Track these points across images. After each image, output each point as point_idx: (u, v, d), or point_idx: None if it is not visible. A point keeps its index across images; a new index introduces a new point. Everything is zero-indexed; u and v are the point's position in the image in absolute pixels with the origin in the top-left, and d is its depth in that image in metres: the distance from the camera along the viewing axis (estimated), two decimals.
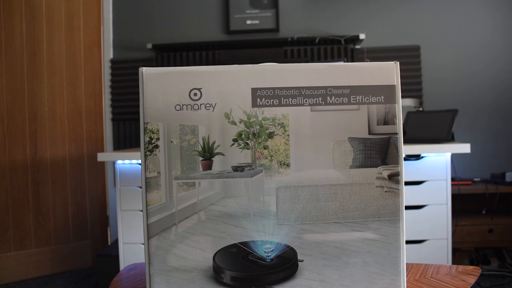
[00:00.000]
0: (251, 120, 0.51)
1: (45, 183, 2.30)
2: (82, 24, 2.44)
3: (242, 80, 0.50)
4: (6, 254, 2.17)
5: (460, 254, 2.08)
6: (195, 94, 0.51)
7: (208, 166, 0.51)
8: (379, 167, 0.51)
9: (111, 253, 1.98)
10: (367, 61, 2.44)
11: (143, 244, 0.53)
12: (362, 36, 2.33)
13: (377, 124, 0.52)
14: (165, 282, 0.50)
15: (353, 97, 0.52)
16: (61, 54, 2.37)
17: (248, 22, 2.52)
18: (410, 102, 2.31)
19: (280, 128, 0.51)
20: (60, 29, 2.37)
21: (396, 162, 0.51)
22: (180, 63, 2.48)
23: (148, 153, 0.50)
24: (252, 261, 0.50)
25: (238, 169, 0.51)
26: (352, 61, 2.45)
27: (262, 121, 0.51)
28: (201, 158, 0.51)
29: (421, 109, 2.26)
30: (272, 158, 0.51)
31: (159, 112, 0.50)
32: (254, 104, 0.51)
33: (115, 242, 2.13)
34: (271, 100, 0.51)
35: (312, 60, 2.44)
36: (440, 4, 2.47)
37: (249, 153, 0.51)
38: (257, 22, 2.51)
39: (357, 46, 2.45)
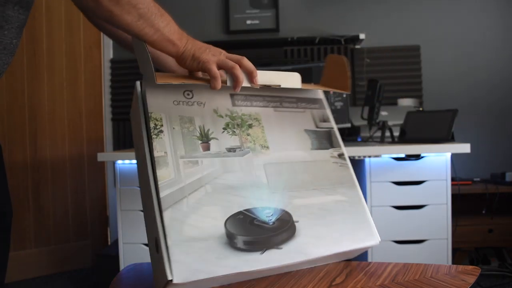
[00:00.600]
0: (233, 115, 0.65)
1: (45, 183, 2.30)
2: (82, 24, 2.44)
3: (223, 88, 0.64)
4: None
5: (460, 254, 2.08)
6: (188, 94, 0.64)
7: (207, 148, 0.61)
8: (330, 149, 0.71)
9: (111, 253, 1.97)
10: (367, 61, 2.44)
11: (156, 217, 0.53)
12: (362, 36, 2.33)
13: (319, 121, 0.74)
14: (184, 253, 0.51)
15: (299, 104, 0.73)
16: (61, 54, 2.37)
17: (248, 22, 2.52)
18: (410, 102, 2.31)
19: (256, 121, 0.67)
20: (60, 29, 2.37)
21: (339, 145, 0.72)
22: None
23: (154, 136, 0.58)
24: (257, 225, 0.57)
25: (231, 150, 0.62)
26: (352, 61, 2.46)
27: (242, 116, 0.66)
28: (200, 142, 0.61)
29: (421, 109, 2.27)
30: (255, 142, 0.65)
31: (160, 105, 0.61)
32: (234, 104, 0.67)
33: (115, 242, 2.13)
34: (245, 102, 0.68)
35: (312, 60, 2.44)
36: (440, 4, 2.47)
37: (237, 138, 0.64)
38: (257, 22, 2.52)
39: (357, 46, 2.45)
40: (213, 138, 0.62)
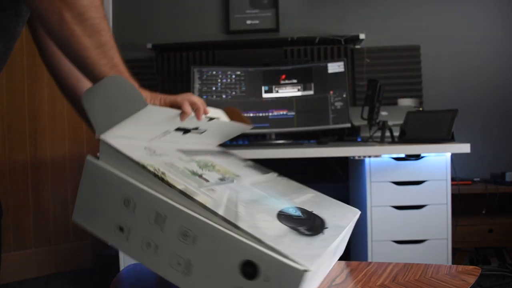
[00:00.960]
0: (196, 160, 0.74)
1: (45, 183, 2.30)
2: None
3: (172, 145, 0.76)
4: (6, 254, 2.17)
5: (460, 254, 2.08)
6: (151, 150, 0.68)
7: (206, 180, 0.66)
8: (269, 173, 0.91)
9: (111, 253, 1.97)
10: (367, 61, 2.44)
11: (240, 238, 0.50)
12: (362, 36, 2.33)
13: (239, 159, 0.93)
14: (288, 247, 0.50)
15: (223, 153, 0.92)
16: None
17: (248, 22, 2.52)
18: (410, 102, 2.31)
19: (212, 162, 0.77)
20: None
21: (267, 170, 0.92)
22: (180, 63, 2.48)
23: (162, 176, 0.57)
24: (298, 217, 0.62)
25: (223, 179, 0.69)
26: (352, 61, 2.46)
27: (202, 161, 0.75)
28: (197, 176, 0.65)
29: (421, 109, 2.27)
30: (228, 174, 0.75)
31: (138, 156, 0.61)
32: (187, 155, 0.74)
33: None
34: (193, 154, 0.77)
35: (312, 60, 2.44)
36: (440, 4, 2.47)
37: (216, 173, 0.71)
38: (257, 22, 2.51)
39: (357, 46, 2.45)
40: (202, 174, 0.66)
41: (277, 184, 0.81)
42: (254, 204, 0.61)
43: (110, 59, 0.59)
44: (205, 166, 0.71)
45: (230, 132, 0.95)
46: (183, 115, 0.66)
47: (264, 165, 0.95)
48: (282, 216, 0.60)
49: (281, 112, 2.09)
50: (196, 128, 0.79)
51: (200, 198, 0.54)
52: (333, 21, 2.50)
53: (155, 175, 0.55)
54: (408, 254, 1.69)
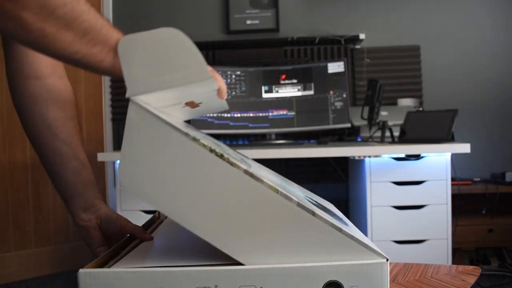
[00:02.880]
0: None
1: (45, 183, 2.30)
2: None
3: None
4: (6, 254, 2.17)
5: (460, 254, 2.08)
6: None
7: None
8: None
9: None
10: (367, 61, 2.44)
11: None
12: (362, 36, 2.33)
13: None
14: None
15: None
16: None
17: (248, 22, 2.52)
18: (410, 102, 2.31)
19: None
20: None
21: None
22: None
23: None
24: (321, 205, 0.58)
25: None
26: (352, 61, 2.45)
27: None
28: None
29: (421, 109, 2.27)
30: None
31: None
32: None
33: None
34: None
35: (312, 60, 2.44)
36: (440, 4, 2.47)
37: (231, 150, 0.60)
38: (257, 22, 2.51)
39: (357, 46, 2.45)
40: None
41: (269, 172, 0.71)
42: (289, 192, 0.54)
43: (103, 42, 0.46)
44: (217, 145, 0.57)
45: (212, 109, 0.75)
46: (222, 92, 0.57)
47: (265, 165, 0.95)
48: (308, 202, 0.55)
49: (281, 112, 2.09)
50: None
51: (268, 181, 0.46)
52: (333, 21, 2.50)
53: (212, 151, 0.46)
54: (408, 254, 1.69)
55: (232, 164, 0.46)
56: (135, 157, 0.47)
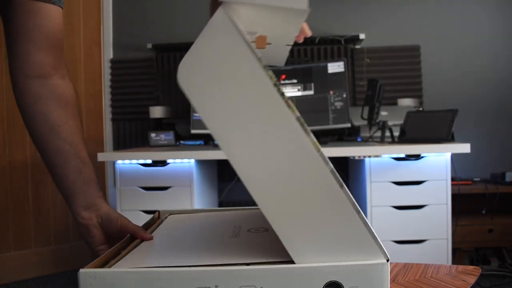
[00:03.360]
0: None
1: (45, 183, 2.30)
2: (82, 23, 2.44)
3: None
4: (6, 254, 2.17)
5: (460, 254, 2.08)
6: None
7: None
8: None
9: None
10: (367, 61, 2.44)
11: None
12: (362, 36, 2.33)
13: None
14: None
15: None
16: None
17: None
18: (410, 102, 2.31)
19: None
20: None
21: None
22: (179, 63, 2.48)
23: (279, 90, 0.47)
24: None
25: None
26: (352, 61, 2.45)
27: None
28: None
29: (421, 109, 2.26)
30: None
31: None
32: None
33: None
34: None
35: (312, 60, 2.44)
36: (440, 4, 2.47)
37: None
38: None
39: (357, 46, 2.45)
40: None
41: None
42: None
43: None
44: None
45: (271, 58, 0.72)
46: (305, 29, 0.59)
47: None
48: None
49: None
50: None
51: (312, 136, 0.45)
52: (333, 21, 2.50)
53: (275, 85, 0.45)
54: (408, 254, 1.69)
55: (288, 106, 0.44)
56: (201, 59, 0.46)
